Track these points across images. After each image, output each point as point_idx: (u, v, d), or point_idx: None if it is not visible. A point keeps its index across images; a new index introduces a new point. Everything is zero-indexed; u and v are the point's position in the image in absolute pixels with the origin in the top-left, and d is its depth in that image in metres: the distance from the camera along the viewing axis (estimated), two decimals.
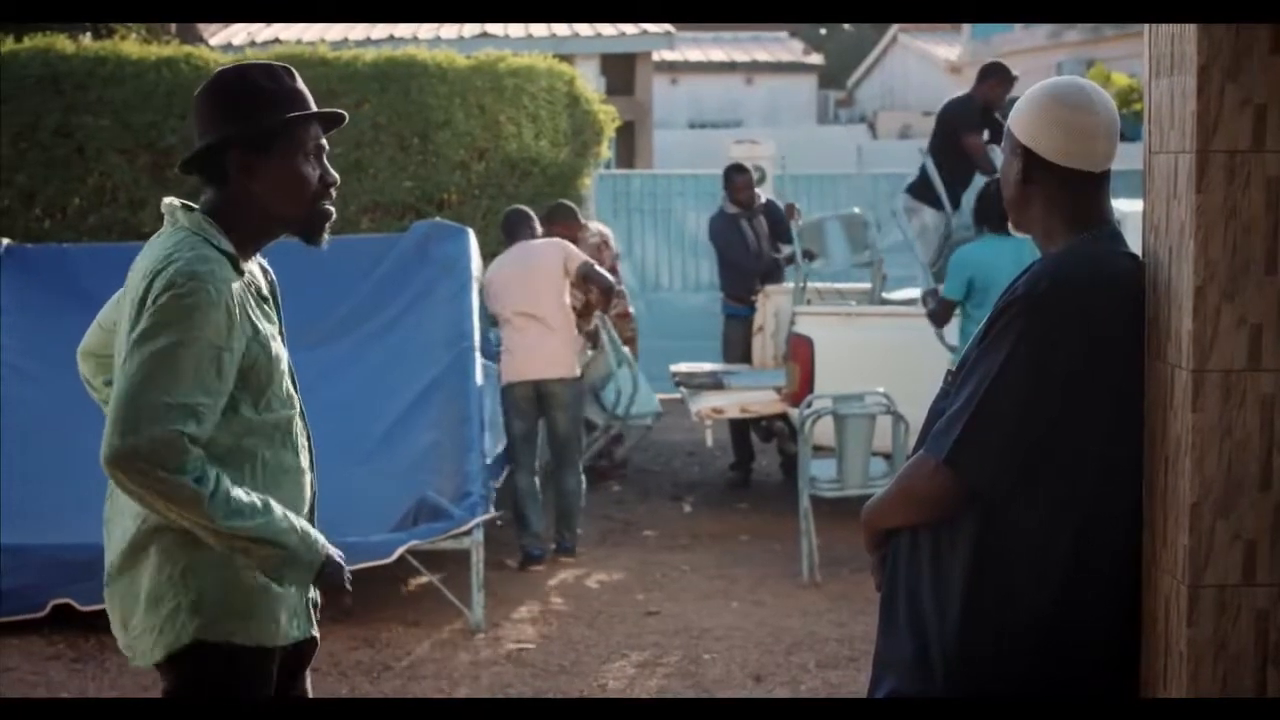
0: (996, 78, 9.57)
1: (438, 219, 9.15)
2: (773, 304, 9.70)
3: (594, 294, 8.04)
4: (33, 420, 7.19)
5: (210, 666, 2.87)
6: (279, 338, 2.99)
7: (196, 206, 2.94)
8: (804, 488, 7.38)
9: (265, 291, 3.01)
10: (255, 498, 2.79)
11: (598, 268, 7.83)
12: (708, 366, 9.96)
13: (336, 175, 3.04)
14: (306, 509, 3.04)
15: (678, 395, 10.06)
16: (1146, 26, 2.68)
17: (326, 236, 3.02)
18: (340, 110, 3.06)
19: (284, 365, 2.97)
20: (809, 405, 7.56)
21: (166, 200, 2.97)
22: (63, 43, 10.64)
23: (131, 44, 11.12)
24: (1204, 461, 2.45)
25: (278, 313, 3.07)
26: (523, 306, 7.68)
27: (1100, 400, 2.61)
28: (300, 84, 2.99)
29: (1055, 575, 2.61)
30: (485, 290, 7.89)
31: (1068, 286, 2.61)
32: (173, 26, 14.06)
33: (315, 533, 2.92)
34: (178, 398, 2.70)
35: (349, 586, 2.98)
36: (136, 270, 2.88)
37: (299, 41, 13.68)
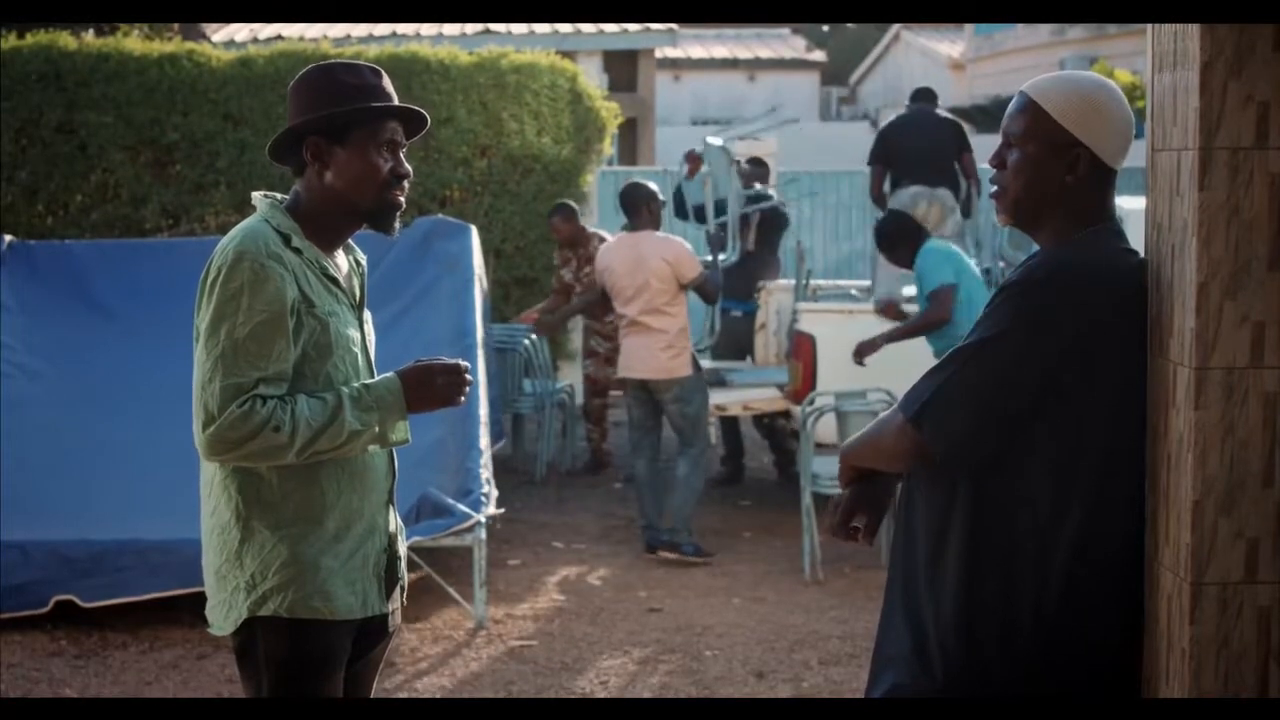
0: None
1: (440, 215, 9.15)
2: (775, 301, 9.69)
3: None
4: (36, 416, 7.20)
5: (264, 639, 3.03)
6: (354, 323, 3.12)
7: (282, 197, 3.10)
8: (806, 485, 7.38)
9: (335, 274, 3.09)
10: (326, 408, 2.96)
11: (710, 280, 7.95)
12: (708, 364, 9.93)
13: (409, 169, 3.11)
14: (385, 490, 3.19)
15: None
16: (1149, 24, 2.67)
17: (397, 226, 3.14)
18: (418, 108, 3.12)
19: (352, 346, 3.09)
20: (811, 402, 7.56)
21: (254, 194, 3.13)
22: (65, 39, 10.65)
23: (133, 41, 11.12)
24: (1206, 459, 2.45)
25: (360, 298, 3.19)
26: (628, 310, 7.76)
27: (1097, 395, 2.61)
28: (385, 83, 3.09)
29: (1056, 570, 2.60)
30: (597, 268, 8.01)
31: (1064, 275, 2.61)
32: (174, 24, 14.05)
33: (380, 385, 3.08)
34: (248, 374, 2.90)
35: (440, 379, 3.20)
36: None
37: (301, 38, 13.67)
